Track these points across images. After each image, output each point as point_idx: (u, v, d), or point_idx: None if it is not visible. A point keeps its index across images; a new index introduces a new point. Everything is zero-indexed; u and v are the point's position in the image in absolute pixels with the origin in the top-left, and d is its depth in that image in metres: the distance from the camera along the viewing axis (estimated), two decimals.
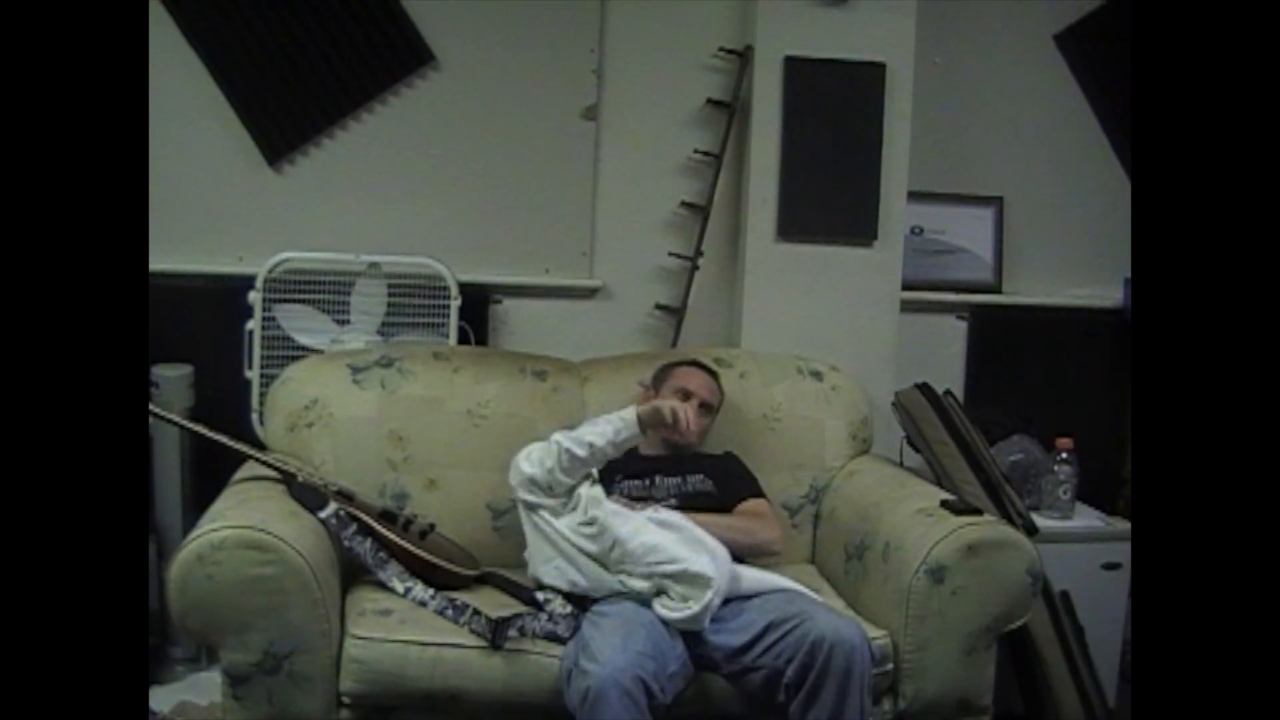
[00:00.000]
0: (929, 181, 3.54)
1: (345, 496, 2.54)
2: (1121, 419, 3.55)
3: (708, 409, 2.79)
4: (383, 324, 3.17)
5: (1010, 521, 2.86)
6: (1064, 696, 3.02)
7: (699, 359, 2.95)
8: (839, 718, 2.19)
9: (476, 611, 2.32)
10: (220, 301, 3.18)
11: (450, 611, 2.34)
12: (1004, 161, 3.70)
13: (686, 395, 2.74)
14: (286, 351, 3.09)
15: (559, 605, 2.38)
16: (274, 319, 3.11)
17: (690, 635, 2.31)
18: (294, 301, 3.12)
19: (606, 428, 2.50)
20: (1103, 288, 3.72)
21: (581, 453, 2.47)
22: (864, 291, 3.33)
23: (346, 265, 3.15)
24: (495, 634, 2.28)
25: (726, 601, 2.35)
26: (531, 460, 2.51)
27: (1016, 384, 3.64)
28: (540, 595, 2.43)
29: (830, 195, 3.29)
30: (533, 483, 2.50)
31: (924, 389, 3.19)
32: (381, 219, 3.30)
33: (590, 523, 2.42)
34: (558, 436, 2.51)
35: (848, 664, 2.19)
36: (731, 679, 2.32)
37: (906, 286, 3.43)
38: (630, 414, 2.53)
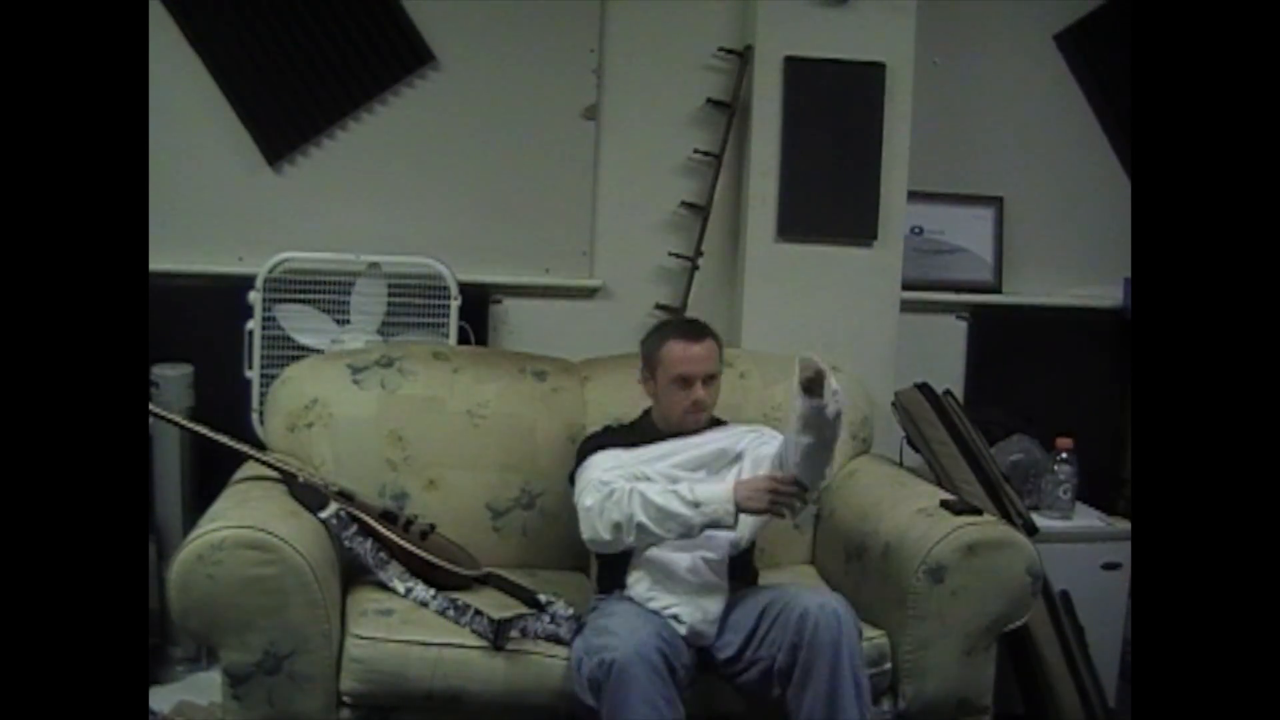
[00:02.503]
0: (929, 181, 3.54)
1: (345, 497, 2.54)
2: (1121, 419, 3.55)
3: (713, 380, 2.52)
4: (383, 324, 3.17)
5: (1010, 521, 2.85)
6: (1064, 696, 3.02)
7: (684, 323, 2.67)
8: (834, 694, 2.18)
9: (478, 612, 2.32)
10: (220, 301, 3.18)
11: (452, 612, 2.34)
12: (1004, 161, 3.70)
13: (686, 382, 2.48)
14: (286, 351, 3.09)
15: (561, 606, 2.38)
16: (274, 319, 3.11)
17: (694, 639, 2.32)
18: (294, 301, 3.12)
19: (707, 511, 2.26)
20: (1103, 288, 3.71)
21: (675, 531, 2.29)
22: (864, 291, 3.33)
23: (346, 265, 3.15)
24: (497, 634, 2.28)
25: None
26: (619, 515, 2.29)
27: (1016, 384, 3.64)
28: (542, 596, 2.43)
29: (830, 195, 3.28)
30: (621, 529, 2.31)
31: (924, 389, 3.19)
32: (381, 219, 3.30)
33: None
34: (653, 498, 2.28)
35: (835, 636, 2.19)
36: (731, 678, 2.33)
37: (906, 286, 3.42)
38: (729, 512, 2.26)
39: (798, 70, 3.26)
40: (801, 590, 2.36)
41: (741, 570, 2.49)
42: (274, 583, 2.20)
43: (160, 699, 2.89)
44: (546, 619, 2.34)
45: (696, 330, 2.55)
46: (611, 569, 2.45)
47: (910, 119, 3.32)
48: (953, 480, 3.02)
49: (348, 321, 3.16)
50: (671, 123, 3.43)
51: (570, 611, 2.36)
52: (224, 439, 2.61)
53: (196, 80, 3.21)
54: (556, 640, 2.31)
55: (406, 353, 2.92)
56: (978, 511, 2.58)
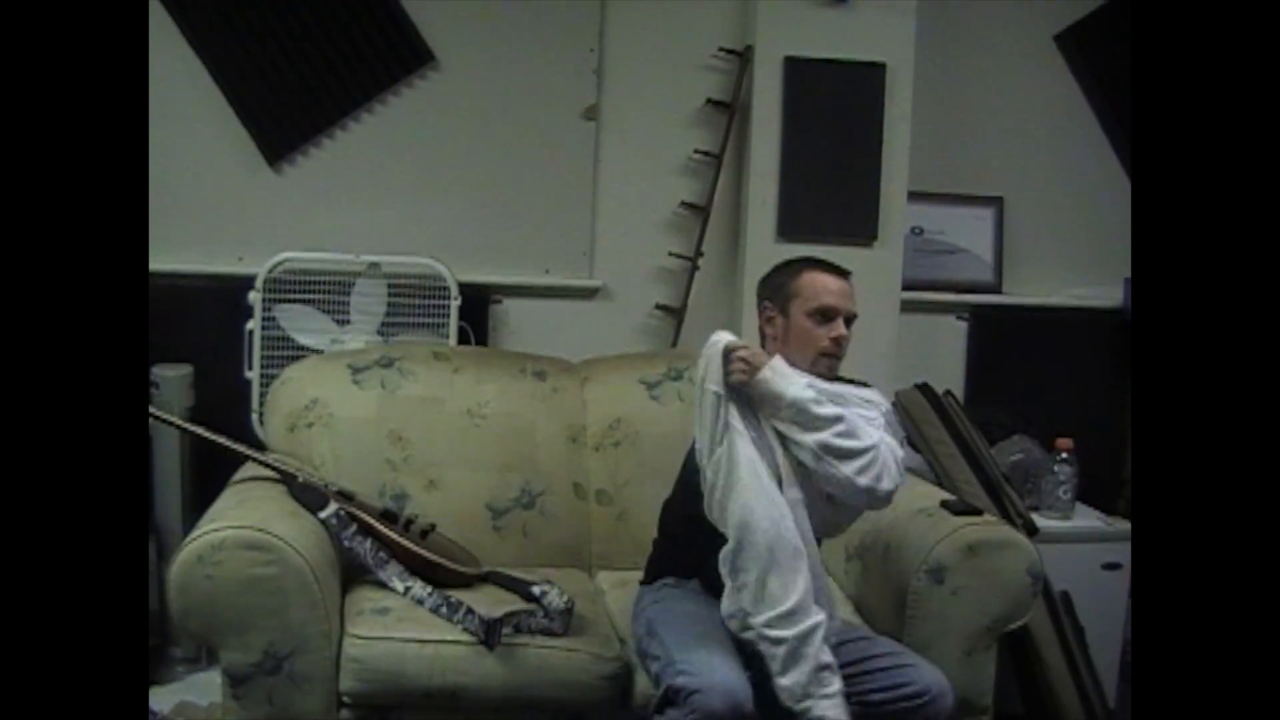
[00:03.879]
0: (929, 181, 3.54)
1: (345, 497, 2.54)
2: (1121, 419, 3.55)
3: (850, 322, 2.36)
4: (383, 324, 3.17)
5: (1010, 521, 2.86)
6: (1064, 696, 3.02)
7: (820, 260, 2.44)
8: None
9: (470, 610, 2.32)
10: (220, 301, 3.18)
11: (445, 609, 2.34)
12: (1004, 161, 3.70)
13: (829, 316, 2.31)
14: (286, 351, 3.09)
15: (555, 596, 2.36)
16: (274, 319, 3.11)
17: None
18: (294, 301, 3.12)
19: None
20: (1103, 288, 3.71)
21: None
22: (864, 291, 3.28)
23: (346, 265, 3.15)
24: (488, 634, 2.27)
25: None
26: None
27: (1016, 384, 3.64)
28: (536, 588, 2.41)
29: (830, 195, 3.28)
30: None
31: (924, 389, 3.20)
32: (381, 219, 3.30)
33: None
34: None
35: (934, 716, 2.14)
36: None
37: (906, 286, 3.43)
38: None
39: (798, 70, 3.26)
40: (919, 658, 2.23)
41: None
42: (274, 583, 2.20)
43: (160, 699, 2.89)
44: (540, 614, 2.33)
45: (838, 268, 2.39)
46: (675, 548, 2.38)
47: (910, 119, 3.32)
48: (953, 480, 3.02)
49: (348, 321, 3.17)
50: (671, 123, 3.43)
51: (563, 602, 2.35)
52: (223, 440, 2.61)
53: (196, 80, 3.21)
54: (550, 634, 2.31)
55: (406, 353, 2.92)
56: (978, 512, 2.59)
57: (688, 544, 2.33)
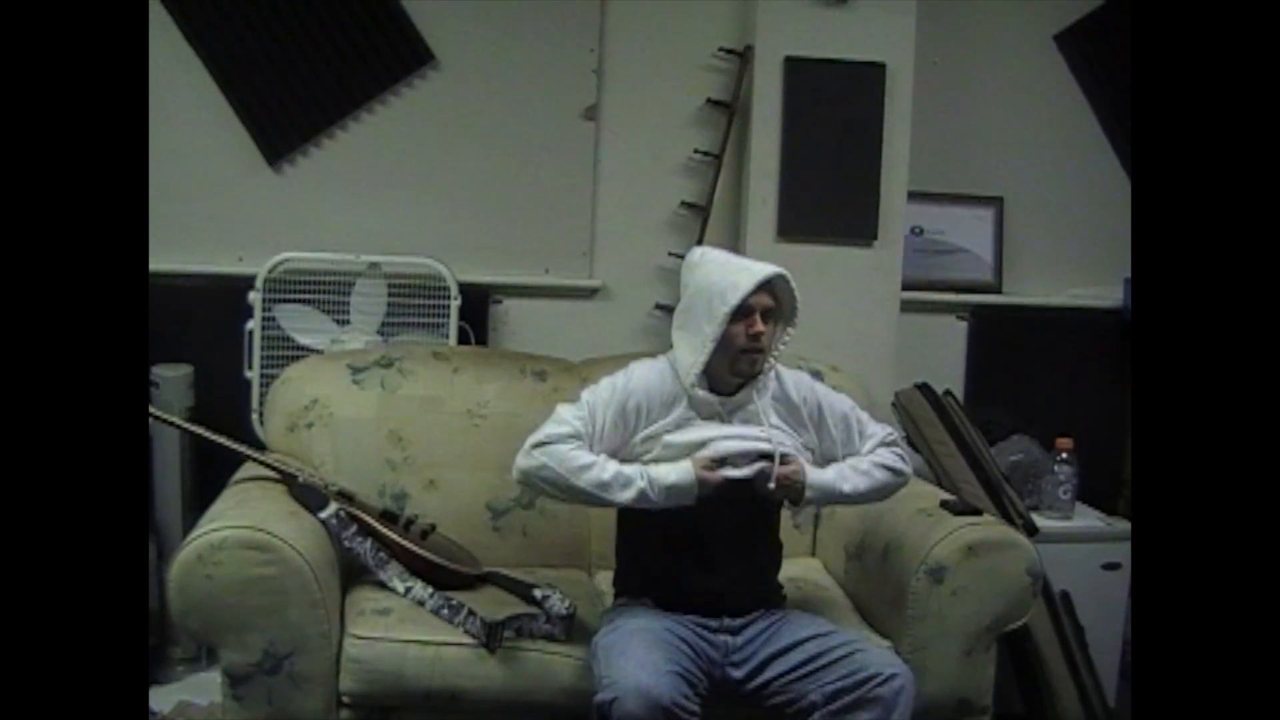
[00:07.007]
0: (929, 181, 3.54)
1: (345, 497, 2.54)
2: (1121, 419, 3.55)
3: (770, 315, 2.38)
4: (383, 324, 3.17)
5: (1010, 521, 2.86)
6: (1064, 696, 3.02)
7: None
8: None
9: (471, 612, 2.32)
10: (220, 301, 3.18)
11: (446, 611, 2.34)
12: (1004, 161, 3.70)
13: (746, 312, 2.32)
14: (286, 351, 3.09)
15: (557, 601, 2.37)
16: (274, 319, 3.11)
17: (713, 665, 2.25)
18: (294, 301, 3.12)
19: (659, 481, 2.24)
20: (1103, 288, 3.71)
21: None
22: (864, 291, 3.33)
23: (346, 265, 3.15)
24: (489, 637, 2.27)
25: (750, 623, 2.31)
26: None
27: (1016, 384, 3.64)
28: (538, 591, 2.41)
29: (830, 195, 3.28)
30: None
31: (924, 389, 3.20)
32: (381, 219, 3.30)
33: None
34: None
35: (894, 700, 2.15)
36: (746, 696, 2.26)
37: (906, 286, 3.43)
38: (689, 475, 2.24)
39: (798, 70, 3.26)
40: (868, 645, 2.29)
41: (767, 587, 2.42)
42: (274, 583, 2.20)
43: (160, 699, 2.89)
44: (542, 618, 2.33)
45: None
46: (634, 566, 2.40)
47: (910, 119, 3.32)
48: (953, 480, 3.02)
49: (348, 321, 3.17)
50: (671, 123, 3.43)
51: (565, 607, 2.35)
52: (223, 440, 2.61)
53: (196, 80, 3.21)
54: (551, 639, 2.31)
55: (406, 353, 2.92)
56: (978, 512, 2.59)
57: (641, 558, 2.38)
